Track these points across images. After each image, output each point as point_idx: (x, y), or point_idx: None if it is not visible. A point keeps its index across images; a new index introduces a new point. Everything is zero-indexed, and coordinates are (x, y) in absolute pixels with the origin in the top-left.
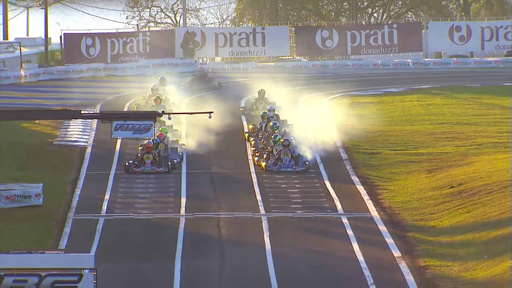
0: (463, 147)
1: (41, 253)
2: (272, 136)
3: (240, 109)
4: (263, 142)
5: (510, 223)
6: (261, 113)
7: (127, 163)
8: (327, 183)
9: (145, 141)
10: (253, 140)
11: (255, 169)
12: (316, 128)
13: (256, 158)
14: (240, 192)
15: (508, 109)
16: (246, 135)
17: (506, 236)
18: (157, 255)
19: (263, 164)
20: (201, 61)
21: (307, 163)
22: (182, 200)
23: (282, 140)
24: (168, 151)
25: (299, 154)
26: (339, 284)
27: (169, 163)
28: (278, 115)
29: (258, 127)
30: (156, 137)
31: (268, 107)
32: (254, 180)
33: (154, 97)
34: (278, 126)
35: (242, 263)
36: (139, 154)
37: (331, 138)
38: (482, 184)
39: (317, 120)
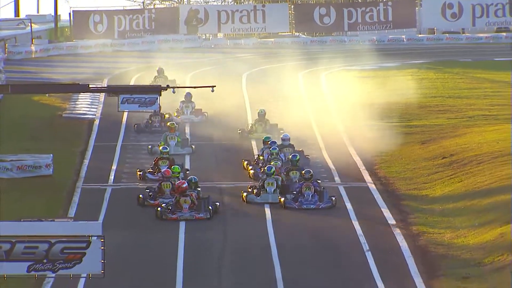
0: (455, 119)
1: (50, 221)
2: (266, 168)
3: (239, 131)
4: (262, 171)
5: (508, 191)
6: (263, 137)
7: (159, 208)
8: (325, 154)
9: (177, 182)
10: (252, 169)
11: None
12: (314, 101)
13: (245, 194)
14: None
15: (498, 82)
16: (245, 163)
17: (496, 205)
18: (162, 222)
19: (282, 199)
20: (204, 37)
21: (333, 198)
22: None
23: (303, 172)
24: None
25: (323, 188)
26: (337, 251)
27: (210, 207)
28: (293, 145)
29: (259, 153)
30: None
31: (282, 136)
32: (256, 151)
33: (168, 124)
34: (278, 153)
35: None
36: (158, 186)
37: (329, 112)
38: (473, 155)
39: (314, 93)
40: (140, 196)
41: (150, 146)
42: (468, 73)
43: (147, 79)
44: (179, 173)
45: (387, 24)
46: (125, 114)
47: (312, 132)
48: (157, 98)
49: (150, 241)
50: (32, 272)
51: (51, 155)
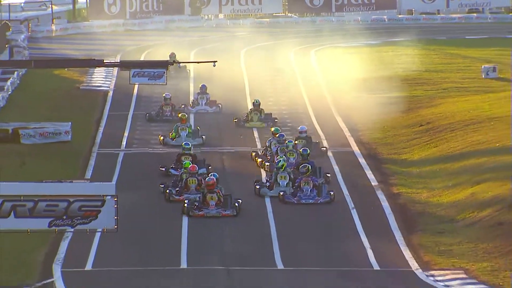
0: (431, 91)
1: (69, 182)
2: (275, 161)
3: (234, 120)
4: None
5: (478, 156)
6: (272, 129)
7: (186, 204)
8: (314, 121)
9: (207, 178)
10: (262, 161)
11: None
12: (304, 75)
13: (257, 187)
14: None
15: (469, 58)
16: (253, 154)
17: (467, 167)
18: (168, 180)
19: (281, 193)
20: (206, 17)
21: (331, 193)
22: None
23: (300, 167)
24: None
25: (322, 183)
26: (325, 208)
27: (236, 204)
28: (310, 137)
29: (267, 144)
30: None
31: (299, 128)
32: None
33: (180, 115)
34: (294, 146)
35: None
36: (183, 180)
37: (318, 85)
38: (447, 123)
39: (305, 68)
40: (167, 191)
41: (162, 137)
42: (442, 49)
43: (156, 55)
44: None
45: (370, 6)
46: (136, 86)
47: (303, 102)
48: (164, 72)
49: (158, 200)
50: (53, 227)
51: (70, 123)
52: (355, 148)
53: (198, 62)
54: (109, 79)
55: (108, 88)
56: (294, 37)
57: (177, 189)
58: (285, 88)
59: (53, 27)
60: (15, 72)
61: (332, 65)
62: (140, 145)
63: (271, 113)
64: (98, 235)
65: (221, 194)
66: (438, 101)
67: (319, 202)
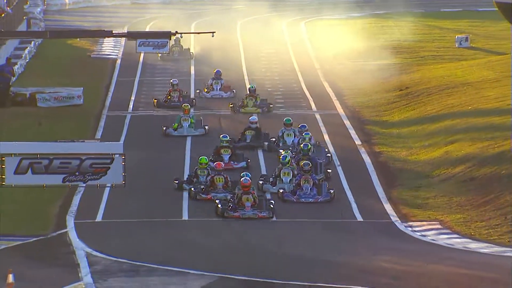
0: (410, 59)
1: (81, 141)
2: (281, 157)
3: (230, 105)
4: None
5: (451, 117)
6: (284, 119)
7: (219, 205)
8: (304, 87)
9: (241, 179)
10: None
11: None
12: (295, 45)
13: (260, 182)
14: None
15: (444, 29)
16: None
17: (442, 128)
18: (171, 143)
19: (280, 191)
20: None
21: (331, 191)
22: (192, 101)
23: (302, 164)
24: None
25: (322, 180)
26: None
27: (271, 205)
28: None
29: (280, 134)
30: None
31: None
32: (247, 85)
33: (183, 106)
34: (310, 138)
35: None
36: (209, 179)
37: (307, 53)
38: (424, 88)
39: (295, 38)
40: (192, 189)
41: (164, 128)
42: (420, 21)
43: (159, 27)
44: (207, 164)
45: None
46: (142, 55)
47: (293, 69)
48: (167, 41)
49: (162, 158)
50: (66, 183)
51: (82, 88)
52: (340, 110)
53: (198, 33)
54: (117, 48)
55: (116, 57)
56: (286, 10)
57: (203, 187)
58: (277, 56)
59: (66, 0)
60: (32, 42)
61: (319, 35)
62: (145, 108)
63: (266, 99)
64: (107, 189)
65: (256, 195)
66: (416, 68)
67: (319, 200)
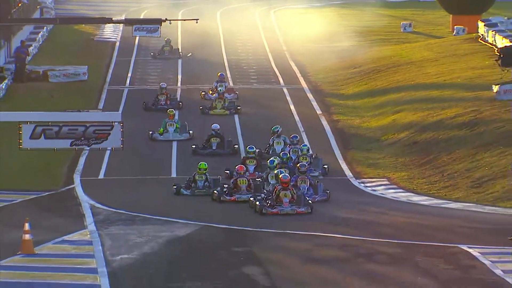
0: (362, 41)
1: (86, 111)
2: (269, 161)
3: (200, 107)
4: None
5: (396, 91)
6: (272, 128)
7: (257, 202)
8: (273, 65)
9: (281, 175)
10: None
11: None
12: (266, 30)
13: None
14: None
15: (391, 17)
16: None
17: (389, 100)
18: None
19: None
20: None
21: (327, 192)
22: (179, 77)
23: (298, 165)
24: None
25: (317, 181)
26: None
27: (310, 201)
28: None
29: (270, 143)
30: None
31: (291, 136)
32: (226, 63)
33: (168, 111)
34: (302, 148)
35: None
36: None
37: (276, 37)
38: (374, 66)
39: (266, 25)
40: (215, 192)
41: (151, 132)
42: (371, 10)
43: (152, 14)
44: (206, 169)
45: None
46: (137, 38)
47: (265, 51)
48: (158, 27)
49: (154, 125)
50: (73, 146)
51: (86, 66)
52: (304, 85)
53: (184, 20)
54: (116, 33)
55: (115, 40)
56: (259, 0)
57: (225, 190)
58: (251, 39)
59: None
60: (44, 28)
61: (286, 22)
62: (140, 83)
63: (234, 101)
64: (108, 152)
65: (294, 191)
66: (367, 49)
67: (316, 200)
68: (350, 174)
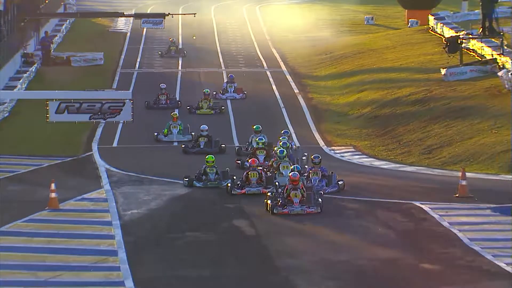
0: (333, 32)
1: (102, 90)
2: (278, 151)
3: (187, 107)
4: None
5: (361, 73)
6: (254, 127)
7: (269, 201)
8: (258, 52)
9: (291, 173)
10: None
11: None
12: (252, 22)
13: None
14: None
15: (355, 12)
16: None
17: (355, 81)
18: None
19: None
20: None
21: (340, 182)
22: (179, 62)
23: (312, 157)
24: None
25: (332, 172)
26: (264, 107)
27: (319, 199)
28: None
29: (249, 140)
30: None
31: (282, 132)
32: (219, 50)
33: (172, 114)
34: (298, 150)
35: None
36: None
37: (260, 28)
38: (342, 52)
39: (252, 18)
40: (228, 184)
41: (156, 134)
42: (339, 6)
43: (157, 9)
44: (213, 161)
45: None
46: (145, 30)
47: (251, 39)
48: (162, 20)
49: (160, 101)
50: (92, 120)
51: (102, 53)
52: (284, 68)
53: (183, 14)
54: (127, 25)
55: (127, 31)
56: None
57: (239, 182)
58: (239, 30)
59: None
60: (67, 20)
61: (270, 16)
62: (147, 67)
63: (219, 102)
64: (120, 125)
65: (304, 190)
66: (337, 39)
67: (326, 191)
68: (322, 142)
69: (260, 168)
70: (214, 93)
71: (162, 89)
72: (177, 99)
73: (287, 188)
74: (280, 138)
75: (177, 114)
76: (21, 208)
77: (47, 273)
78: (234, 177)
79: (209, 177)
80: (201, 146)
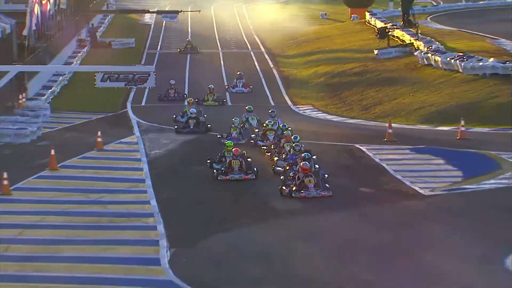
0: (298, 25)
1: (134, 65)
2: (293, 137)
3: (195, 99)
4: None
5: (319, 53)
6: (246, 107)
7: (284, 187)
8: (244, 39)
9: (302, 163)
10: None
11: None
12: (241, 17)
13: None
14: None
15: (314, 9)
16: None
17: (313, 59)
18: (184, 59)
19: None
20: None
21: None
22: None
23: (269, 111)
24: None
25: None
26: (248, 77)
27: (327, 185)
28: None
29: (243, 119)
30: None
31: (270, 111)
32: (217, 37)
33: (188, 100)
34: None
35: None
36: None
37: (247, 22)
38: (304, 38)
39: (240, 14)
40: (214, 171)
41: (174, 116)
42: (305, 6)
43: (173, 7)
44: (232, 146)
45: None
46: (164, 22)
47: (239, 30)
48: (176, 15)
49: (177, 75)
50: (126, 86)
51: (134, 39)
52: (263, 50)
53: (191, 11)
54: (152, 19)
55: (151, 23)
56: None
57: (223, 169)
58: (231, 23)
59: None
60: (109, 16)
61: (253, 12)
62: (167, 48)
63: (221, 95)
64: (147, 89)
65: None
66: (301, 29)
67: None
68: (290, 103)
69: (266, 147)
70: (226, 87)
71: (171, 84)
72: (185, 92)
73: (298, 176)
74: (267, 122)
75: (192, 100)
76: (76, 149)
77: (95, 195)
78: (255, 169)
79: (226, 160)
80: (191, 127)
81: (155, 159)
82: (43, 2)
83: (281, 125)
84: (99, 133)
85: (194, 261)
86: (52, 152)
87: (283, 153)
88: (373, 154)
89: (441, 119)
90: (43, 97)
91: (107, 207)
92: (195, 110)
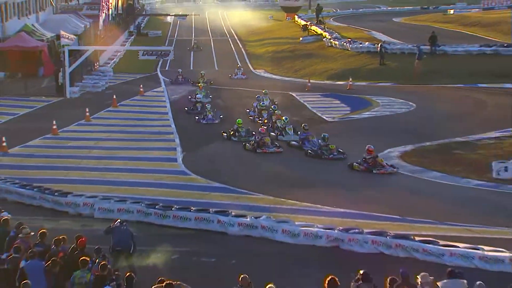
0: (257, 22)
1: (160, 47)
2: (283, 118)
3: (189, 97)
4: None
5: (285, 42)
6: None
7: (355, 163)
8: (226, 31)
9: (367, 146)
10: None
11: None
12: (224, 18)
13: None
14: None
15: (269, 13)
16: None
17: (264, 43)
18: (185, 58)
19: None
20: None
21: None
22: (192, 34)
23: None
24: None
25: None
26: (226, 58)
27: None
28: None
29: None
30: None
31: (264, 91)
32: (209, 30)
33: (198, 84)
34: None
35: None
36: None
37: (226, 22)
38: (261, 30)
39: (224, 16)
40: (248, 143)
41: (189, 97)
42: (265, 11)
43: (182, 11)
44: (241, 123)
45: None
46: (178, 21)
47: (222, 25)
48: (185, 17)
49: (195, 55)
50: (156, 58)
51: (160, 31)
52: (236, 37)
53: (192, 14)
54: (171, 19)
55: (170, 21)
56: (220, 6)
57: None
58: (217, 22)
59: (157, 5)
60: (145, 18)
61: (232, 15)
62: (183, 36)
63: (209, 79)
64: (169, 60)
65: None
66: (260, 25)
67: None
68: (252, 68)
69: (261, 122)
70: (230, 75)
71: (179, 72)
72: (189, 78)
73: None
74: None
75: (202, 84)
76: (126, 95)
77: (140, 121)
78: (254, 133)
79: (241, 134)
80: (198, 109)
81: (174, 101)
82: (109, 8)
83: (272, 106)
84: (141, 85)
85: (196, 159)
86: (114, 97)
87: (274, 127)
88: (299, 97)
89: (338, 77)
90: (108, 65)
91: (147, 128)
92: (201, 96)
